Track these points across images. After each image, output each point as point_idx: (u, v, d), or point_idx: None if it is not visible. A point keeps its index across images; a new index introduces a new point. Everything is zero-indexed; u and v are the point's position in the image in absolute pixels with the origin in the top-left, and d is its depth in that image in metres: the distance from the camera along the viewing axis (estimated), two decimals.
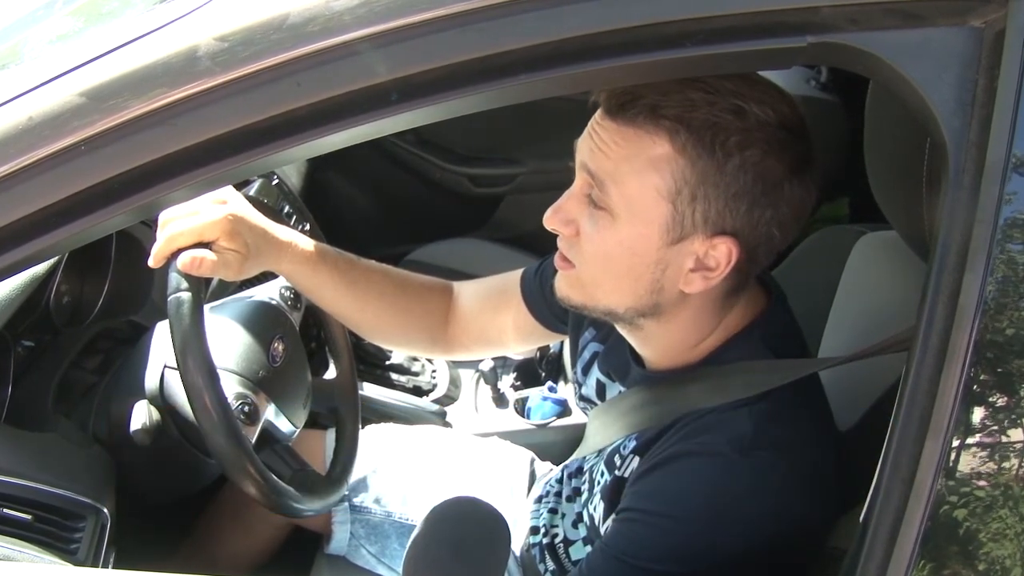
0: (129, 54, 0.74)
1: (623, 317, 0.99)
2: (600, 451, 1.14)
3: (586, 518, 1.16)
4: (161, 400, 1.16)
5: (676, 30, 0.71)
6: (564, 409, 1.75)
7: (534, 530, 1.31)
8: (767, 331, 1.00)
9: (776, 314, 1.03)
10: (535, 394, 1.80)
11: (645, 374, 1.06)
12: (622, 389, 1.11)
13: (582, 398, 1.23)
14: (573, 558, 1.21)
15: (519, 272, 1.28)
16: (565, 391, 1.79)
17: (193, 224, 1.04)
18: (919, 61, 0.71)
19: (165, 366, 1.17)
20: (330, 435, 1.45)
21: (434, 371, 1.86)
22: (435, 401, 1.80)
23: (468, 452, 1.56)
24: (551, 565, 1.25)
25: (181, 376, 1.02)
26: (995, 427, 0.75)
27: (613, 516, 1.03)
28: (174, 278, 1.02)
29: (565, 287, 1.00)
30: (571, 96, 0.85)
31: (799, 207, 0.92)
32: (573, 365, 1.24)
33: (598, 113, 0.92)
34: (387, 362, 1.83)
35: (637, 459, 1.04)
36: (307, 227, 1.48)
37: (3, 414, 1.20)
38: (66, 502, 1.06)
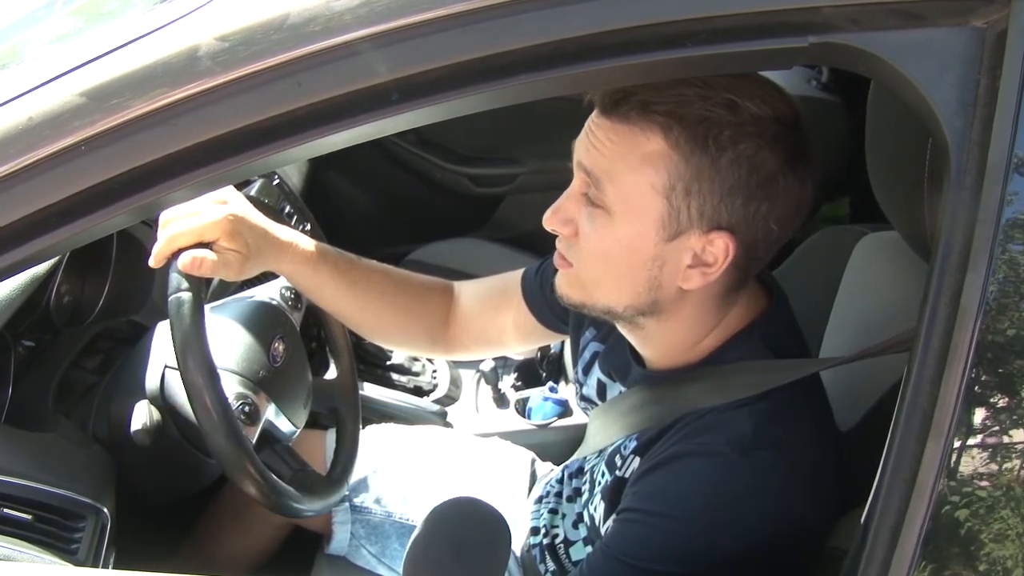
0: (129, 54, 0.74)
1: (623, 316, 0.99)
2: (601, 451, 1.14)
3: (586, 518, 1.16)
4: (161, 400, 1.16)
5: (677, 30, 0.71)
6: (565, 409, 1.75)
7: (534, 530, 1.31)
8: (768, 331, 1.00)
9: (777, 314, 1.03)
10: (536, 394, 1.80)
11: (645, 374, 1.06)
12: (623, 389, 1.11)
13: (583, 398, 1.23)
14: (573, 558, 1.21)
15: (519, 272, 1.28)
16: (566, 391, 1.79)
17: (194, 224, 1.04)
18: (921, 61, 0.71)
19: (165, 366, 1.17)
20: (330, 435, 1.45)
21: (435, 371, 1.86)
22: (436, 401, 1.80)
23: (469, 452, 1.56)
24: (551, 565, 1.25)
25: (181, 376, 1.02)
26: (997, 428, 0.75)
27: (613, 516, 1.03)
28: (174, 278, 1.02)
29: (565, 286, 1.00)
30: (572, 96, 0.85)
31: (796, 201, 0.92)
32: (574, 365, 1.24)
33: (593, 112, 0.92)
34: (388, 362, 1.83)
35: (637, 459, 1.03)
36: (308, 227, 1.48)
37: (3, 414, 1.20)
38: (66, 502, 1.06)
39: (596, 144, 0.91)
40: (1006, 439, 0.76)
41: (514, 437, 1.66)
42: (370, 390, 1.73)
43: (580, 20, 0.70)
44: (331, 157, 0.79)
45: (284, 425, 1.23)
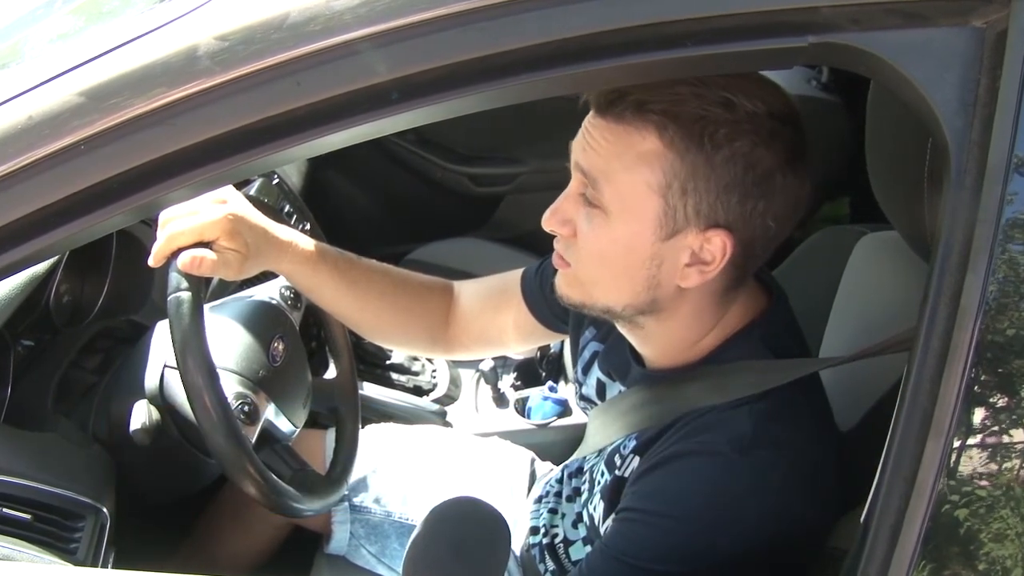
0: (129, 53, 0.74)
1: (622, 315, 0.99)
2: (600, 451, 1.14)
3: (586, 518, 1.16)
4: (161, 400, 1.16)
5: (677, 30, 0.71)
6: (564, 409, 1.75)
7: (534, 530, 1.31)
8: (767, 330, 1.00)
9: (777, 314, 1.03)
10: (535, 394, 1.80)
11: (645, 373, 1.06)
12: (622, 388, 1.11)
13: (582, 398, 1.23)
14: (573, 558, 1.21)
15: (519, 272, 1.28)
16: (566, 391, 1.79)
17: (193, 223, 1.04)
18: (921, 61, 0.71)
19: (165, 366, 1.17)
20: (330, 435, 1.45)
21: (434, 371, 1.86)
22: (435, 401, 1.80)
23: (468, 452, 1.56)
24: (551, 565, 1.24)
25: (181, 376, 1.02)
26: (996, 428, 0.75)
27: (613, 516, 1.03)
28: (174, 277, 1.02)
29: (564, 286, 1.00)
30: (572, 95, 0.85)
31: (794, 198, 0.92)
32: (573, 365, 1.24)
33: (590, 112, 0.92)
34: (387, 362, 1.83)
35: (637, 459, 1.03)
36: (307, 226, 1.48)
37: (3, 414, 1.20)
38: (66, 502, 1.06)
39: (592, 144, 0.91)
40: (1006, 439, 0.76)
41: (514, 437, 1.66)
42: (370, 390, 1.72)
43: (580, 20, 0.70)
44: (331, 156, 0.79)
45: (284, 425, 1.23)
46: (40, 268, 1.16)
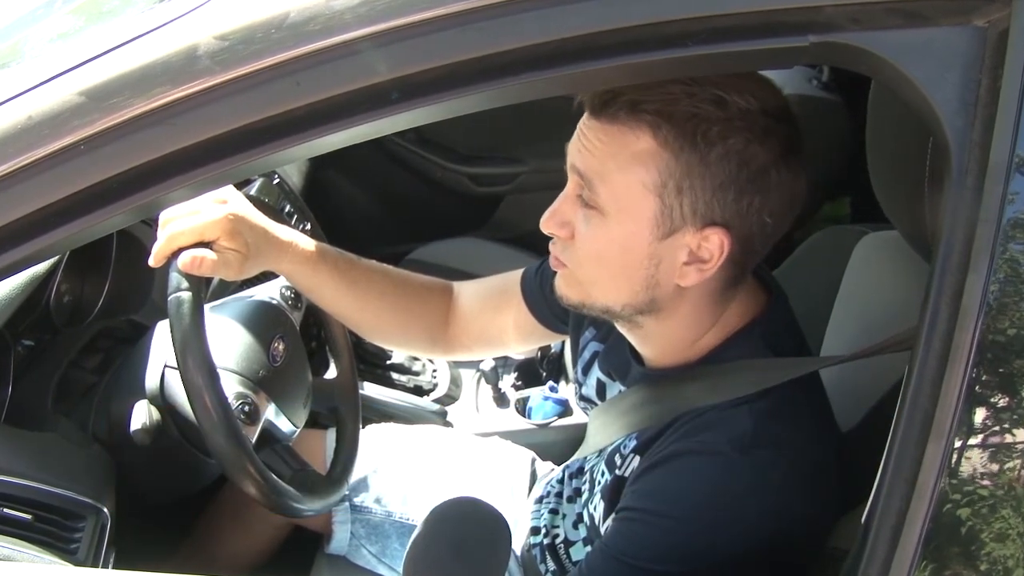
0: (129, 53, 0.74)
1: (621, 315, 0.99)
2: (601, 451, 1.14)
3: (586, 518, 1.16)
4: (161, 400, 1.16)
5: (677, 29, 0.71)
6: (565, 409, 1.75)
7: (535, 530, 1.31)
8: (767, 329, 1.00)
9: (776, 312, 1.03)
10: (536, 394, 1.80)
11: (645, 372, 1.06)
12: (622, 388, 1.11)
13: (582, 398, 1.23)
14: (574, 559, 1.21)
15: (519, 272, 1.28)
16: (566, 391, 1.79)
17: (194, 223, 1.04)
18: (922, 61, 0.71)
19: (165, 366, 1.17)
20: (330, 435, 1.45)
21: (435, 371, 1.86)
22: (436, 401, 1.80)
23: (469, 452, 1.56)
24: (552, 566, 1.24)
25: (181, 376, 1.02)
26: (998, 428, 0.75)
27: (613, 515, 1.03)
28: (174, 277, 1.02)
29: (563, 286, 1.00)
30: (572, 95, 0.85)
31: (789, 193, 0.92)
32: (573, 365, 1.24)
33: (584, 114, 0.92)
34: (388, 361, 1.83)
35: (637, 458, 1.03)
36: (308, 226, 1.48)
37: (3, 414, 1.20)
38: (66, 502, 1.06)
39: (587, 146, 0.91)
40: (1007, 439, 0.76)
41: (514, 437, 1.66)
42: (370, 389, 1.72)
43: (579, 19, 0.70)
44: (331, 156, 0.79)
45: (284, 425, 1.23)
46: (40, 268, 1.16)
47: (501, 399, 1.81)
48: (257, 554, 1.53)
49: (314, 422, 1.43)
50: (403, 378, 1.82)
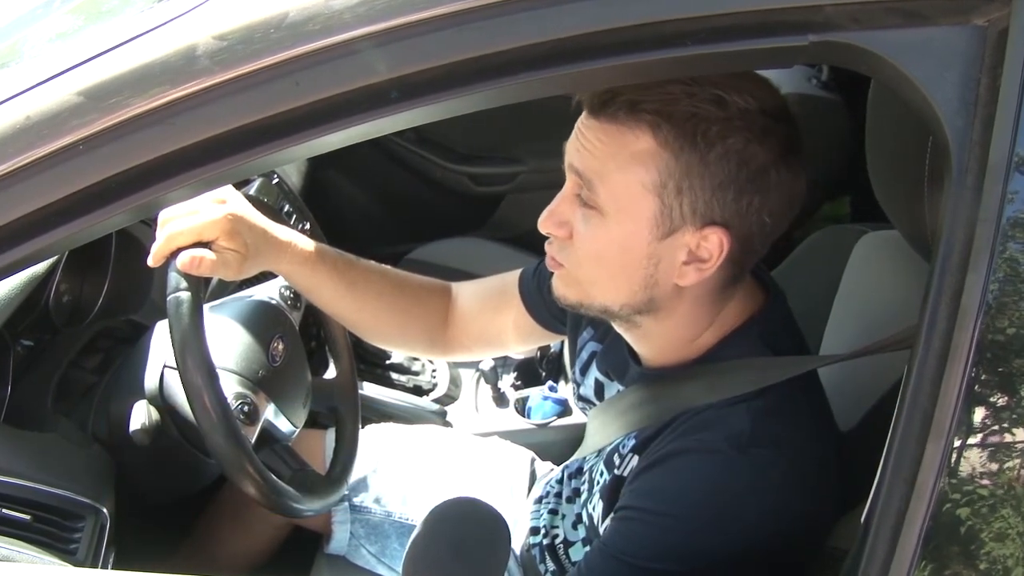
0: (128, 53, 0.74)
1: (619, 315, 0.99)
2: (600, 451, 1.14)
3: (585, 519, 1.16)
4: (161, 400, 1.16)
5: (675, 29, 0.71)
6: (565, 409, 1.75)
7: (534, 531, 1.31)
8: (765, 328, 1.00)
9: (774, 311, 1.03)
10: (535, 394, 1.80)
11: (643, 372, 1.06)
12: (620, 388, 1.11)
13: (581, 398, 1.23)
14: (573, 559, 1.21)
15: (517, 272, 1.28)
16: (566, 391, 1.79)
17: (193, 223, 1.04)
18: (922, 60, 0.71)
19: (165, 366, 1.17)
20: (330, 435, 1.45)
21: (434, 370, 1.86)
22: (435, 400, 1.80)
23: (468, 452, 1.56)
24: (551, 566, 1.24)
25: (180, 376, 1.02)
26: (997, 427, 0.75)
27: (612, 515, 1.03)
28: (173, 277, 1.02)
29: (561, 286, 1.00)
30: (571, 95, 0.85)
31: (789, 193, 0.92)
32: (571, 365, 1.24)
33: (582, 114, 0.92)
34: (387, 361, 1.83)
35: (636, 458, 1.03)
36: (307, 226, 1.48)
37: (3, 414, 1.20)
38: (65, 502, 1.06)
39: (586, 145, 0.91)
40: (1007, 438, 0.76)
41: (514, 436, 1.66)
42: (370, 389, 1.72)
43: (577, 19, 0.70)
44: (330, 156, 0.79)
45: (283, 425, 1.23)
46: (40, 268, 1.16)
47: (500, 399, 1.81)
48: (257, 554, 1.53)
49: (313, 422, 1.43)
50: (402, 378, 1.82)
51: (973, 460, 0.75)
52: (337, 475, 1.29)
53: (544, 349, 1.87)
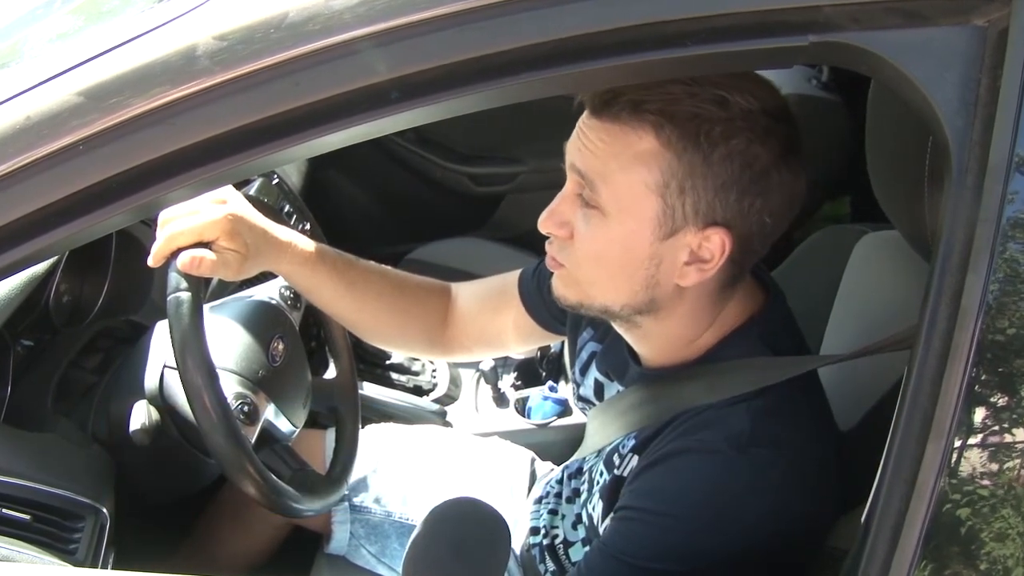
0: (128, 53, 0.74)
1: (620, 315, 0.99)
2: (599, 451, 1.14)
3: (585, 519, 1.16)
4: (161, 400, 1.16)
5: (676, 29, 0.71)
6: (565, 409, 1.75)
7: (534, 531, 1.31)
8: (765, 328, 1.00)
9: (774, 311, 1.03)
10: (536, 394, 1.80)
11: (643, 372, 1.06)
12: (620, 388, 1.11)
13: (580, 398, 1.23)
14: (573, 559, 1.21)
15: (517, 273, 1.28)
16: (566, 391, 1.78)
17: (193, 223, 1.04)
18: (921, 60, 0.71)
19: (165, 366, 1.17)
20: (330, 435, 1.45)
21: (434, 371, 1.86)
22: (435, 400, 1.80)
23: (468, 452, 1.56)
24: (551, 566, 1.24)
25: (180, 376, 1.02)
26: (997, 427, 0.75)
27: (611, 515, 1.03)
28: (174, 278, 1.02)
29: (561, 287, 1.00)
30: (572, 95, 0.85)
31: (789, 193, 0.92)
32: (571, 365, 1.24)
33: (584, 113, 0.92)
34: (387, 361, 1.83)
35: (636, 458, 1.03)
36: (307, 226, 1.48)
37: (2, 414, 1.20)
38: (65, 502, 1.06)
39: (588, 145, 0.91)
40: (1007, 438, 0.76)
41: (514, 436, 1.66)
42: (370, 389, 1.72)
43: (578, 19, 0.70)
44: (330, 156, 0.79)
45: (283, 425, 1.23)
46: (40, 268, 1.16)
47: (501, 399, 1.81)
48: (257, 554, 1.53)
49: (313, 422, 1.43)
50: (403, 378, 1.82)
51: (973, 460, 0.75)
52: (337, 475, 1.29)
53: (544, 349, 1.87)
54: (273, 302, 1.30)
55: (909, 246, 1.04)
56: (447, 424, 1.76)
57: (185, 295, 1.01)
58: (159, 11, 0.77)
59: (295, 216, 1.52)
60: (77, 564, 1.03)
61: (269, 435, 1.21)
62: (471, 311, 1.30)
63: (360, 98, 0.71)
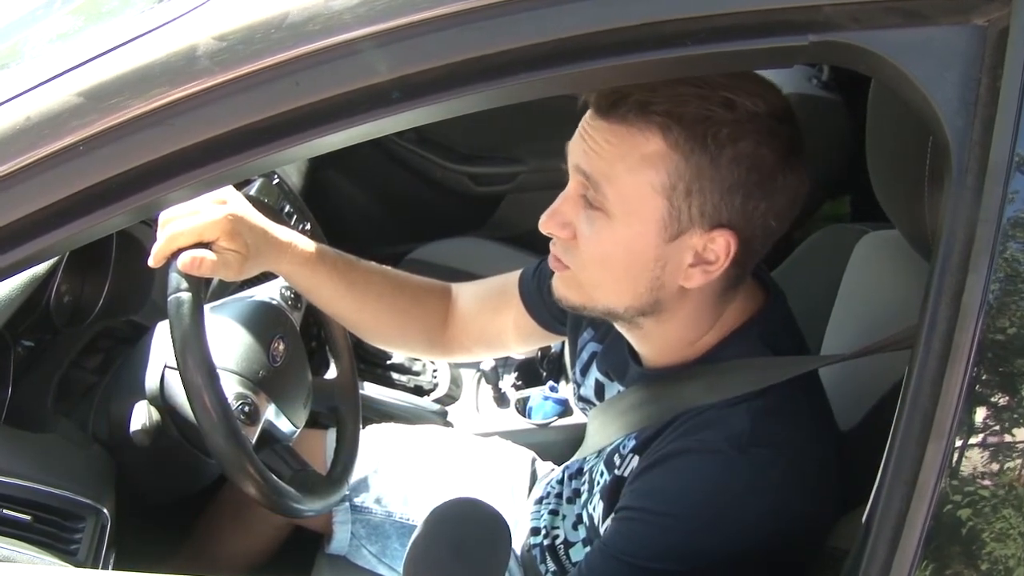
0: (128, 53, 0.74)
1: (623, 316, 0.99)
2: (600, 451, 1.14)
3: (586, 519, 1.16)
4: (161, 400, 1.16)
5: (676, 29, 0.71)
6: (565, 409, 1.75)
7: (535, 531, 1.31)
8: (765, 328, 1.00)
9: (774, 311, 1.03)
10: (536, 394, 1.80)
11: (643, 372, 1.06)
12: (621, 388, 1.11)
13: (581, 399, 1.23)
14: (573, 560, 1.21)
15: (517, 273, 1.28)
16: (566, 391, 1.79)
17: (193, 224, 1.04)
18: (922, 60, 0.71)
19: (165, 366, 1.17)
20: (331, 435, 1.45)
21: (435, 371, 1.86)
22: (436, 401, 1.80)
23: (469, 452, 1.56)
24: (552, 566, 1.24)
25: (181, 376, 1.02)
26: (998, 427, 0.75)
27: (612, 515, 1.03)
28: (174, 278, 1.02)
29: (563, 288, 1.00)
30: (573, 95, 0.85)
31: (793, 195, 0.92)
32: (572, 366, 1.24)
33: (588, 114, 0.92)
34: (388, 361, 1.83)
35: (636, 458, 1.03)
36: (308, 227, 1.48)
37: (3, 414, 1.20)
38: (66, 503, 1.06)
39: (594, 147, 0.90)
40: (1008, 438, 0.76)
41: (514, 437, 1.66)
42: (370, 389, 1.72)
43: (578, 19, 0.70)
44: (331, 156, 0.79)
45: (284, 425, 1.23)
46: (40, 268, 1.16)
47: (501, 399, 1.81)
48: (257, 554, 1.53)
49: (314, 422, 1.43)
50: (403, 378, 1.82)
51: (974, 460, 0.75)
52: (338, 475, 1.29)
53: (545, 349, 1.87)
54: (274, 302, 1.30)
55: (909, 246, 1.04)
56: (448, 424, 1.76)
57: (186, 295, 1.01)
58: (159, 11, 0.77)
59: (295, 216, 1.52)
60: (78, 564, 1.03)
61: (270, 435, 1.21)
62: (471, 311, 1.30)
63: (361, 98, 0.71)
